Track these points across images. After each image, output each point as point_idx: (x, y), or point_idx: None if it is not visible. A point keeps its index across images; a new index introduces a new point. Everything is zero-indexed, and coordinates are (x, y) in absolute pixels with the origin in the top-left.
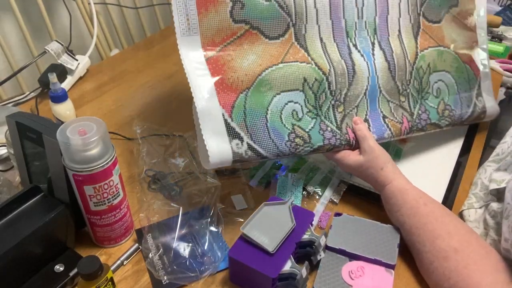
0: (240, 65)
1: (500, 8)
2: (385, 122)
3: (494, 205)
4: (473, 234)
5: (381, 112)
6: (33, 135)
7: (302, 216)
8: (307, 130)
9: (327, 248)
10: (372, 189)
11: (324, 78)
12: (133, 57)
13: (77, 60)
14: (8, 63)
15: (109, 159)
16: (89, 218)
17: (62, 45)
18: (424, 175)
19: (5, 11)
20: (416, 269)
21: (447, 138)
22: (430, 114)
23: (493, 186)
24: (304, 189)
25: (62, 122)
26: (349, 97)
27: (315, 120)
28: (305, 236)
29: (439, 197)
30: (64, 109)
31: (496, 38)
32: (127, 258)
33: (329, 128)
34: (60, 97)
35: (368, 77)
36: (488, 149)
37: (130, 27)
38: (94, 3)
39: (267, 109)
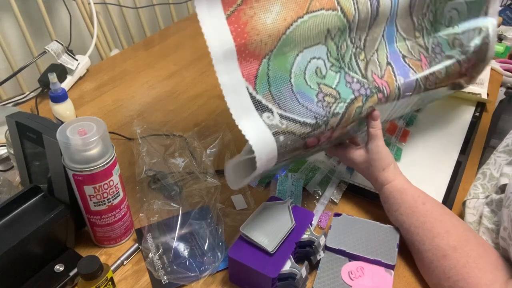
0: (264, 23)
1: (500, 8)
2: (405, 62)
3: (494, 195)
4: (472, 232)
5: (400, 52)
6: (33, 135)
7: (302, 216)
8: (333, 86)
9: (326, 248)
10: (372, 189)
11: (347, 25)
12: (133, 57)
13: (77, 60)
14: (8, 63)
15: (109, 159)
16: (89, 218)
17: (62, 45)
18: (424, 175)
19: (5, 11)
20: (415, 269)
21: (447, 138)
22: (442, 47)
23: (504, 181)
24: (304, 189)
25: (62, 122)
26: (368, 42)
27: (339, 73)
28: (305, 236)
29: (439, 197)
30: (64, 109)
31: (496, 38)
32: (127, 258)
33: (355, 79)
34: (60, 97)
35: (387, 18)
36: (488, 149)
37: (130, 27)
38: (94, 3)
39: (291, 72)
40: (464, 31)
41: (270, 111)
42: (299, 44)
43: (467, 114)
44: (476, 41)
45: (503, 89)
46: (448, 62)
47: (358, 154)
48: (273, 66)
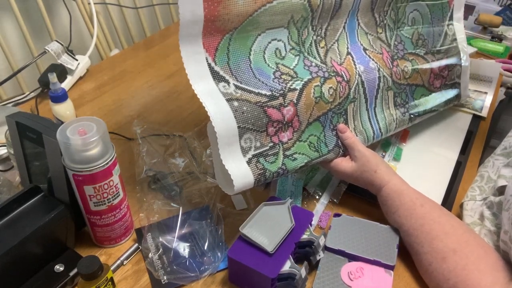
0: (236, 3)
1: (500, 8)
2: (366, 53)
3: (492, 198)
4: (471, 233)
5: (361, 44)
6: (33, 135)
7: (302, 216)
8: (291, 67)
9: (326, 249)
10: None
11: (311, 14)
12: (133, 57)
13: (77, 60)
14: (8, 63)
15: (109, 159)
16: (89, 218)
17: (62, 45)
18: (424, 175)
19: (5, 11)
20: (415, 270)
21: (447, 138)
22: (406, 44)
23: (502, 182)
24: (304, 189)
25: (62, 122)
26: (329, 31)
27: (298, 57)
28: (304, 236)
29: (439, 197)
30: (64, 109)
31: (496, 38)
32: (127, 258)
33: (313, 63)
34: (60, 97)
35: (349, 11)
36: (488, 149)
37: (130, 27)
38: (94, 3)
39: (250, 49)
40: (428, 32)
41: (227, 81)
42: (263, 25)
43: (467, 114)
44: (441, 43)
45: (503, 89)
46: (412, 58)
47: (345, 165)
48: (234, 42)
